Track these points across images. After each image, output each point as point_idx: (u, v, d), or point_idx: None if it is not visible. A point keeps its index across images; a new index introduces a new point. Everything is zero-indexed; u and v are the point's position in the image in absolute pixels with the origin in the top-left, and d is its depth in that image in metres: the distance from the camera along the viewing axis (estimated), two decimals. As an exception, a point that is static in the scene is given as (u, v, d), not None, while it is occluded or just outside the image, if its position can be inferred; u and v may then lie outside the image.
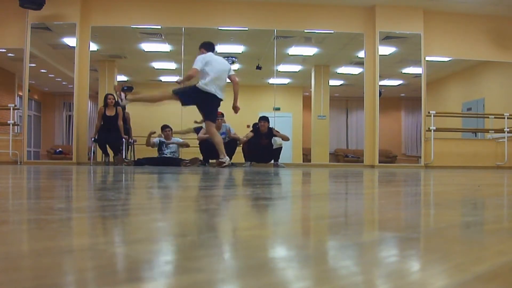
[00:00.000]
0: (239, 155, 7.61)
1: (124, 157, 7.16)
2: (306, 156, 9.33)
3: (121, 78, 9.58)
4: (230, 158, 7.38)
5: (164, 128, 7.42)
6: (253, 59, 9.35)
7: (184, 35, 8.38)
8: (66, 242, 0.67)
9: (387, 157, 9.01)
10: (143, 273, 0.48)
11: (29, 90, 7.92)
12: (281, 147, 7.60)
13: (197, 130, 7.21)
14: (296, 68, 10.07)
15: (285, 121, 8.76)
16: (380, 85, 8.34)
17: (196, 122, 7.24)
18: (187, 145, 7.54)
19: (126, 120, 7.56)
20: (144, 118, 8.97)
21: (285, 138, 7.44)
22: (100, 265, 0.51)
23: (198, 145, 7.14)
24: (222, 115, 7.10)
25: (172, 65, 9.16)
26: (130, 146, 7.72)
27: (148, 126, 8.45)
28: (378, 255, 0.60)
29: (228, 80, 5.83)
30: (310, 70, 9.97)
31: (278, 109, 8.84)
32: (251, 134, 7.34)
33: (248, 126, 7.70)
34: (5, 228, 0.79)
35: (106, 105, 7.23)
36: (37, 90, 8.97)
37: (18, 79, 8.30)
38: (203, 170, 4.73)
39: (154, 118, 8.62)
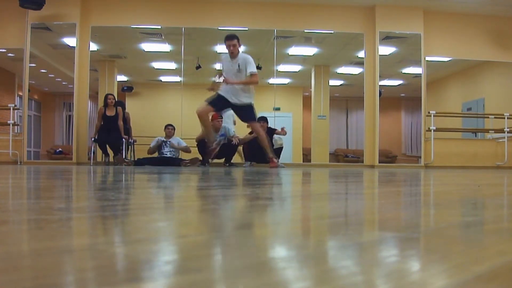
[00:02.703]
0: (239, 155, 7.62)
1: (124, 157, 7.16)
2: (306, 156, 9.33)
3: (121, 78, 9.58)
4: (231, 159, 7.37)
5: (167, 126, 7.42)
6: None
7: (184, 35, 8.38)
8: (66, 242, 0.67)
9: (387, 157, 9.01)
10: (143, 273, 0.48)
11: (29, 90, 7.91)
12: (282, 147, 7.60)
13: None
14: (296, 68, 10.06)
15: (285, 121, 8.75)
16: (380, 85, 8.34)
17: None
18: (187, 150, 7.44)
19: (126, 120, 7.57)
20: (144, 118, 8.98)
21: (283, 133, 7.49)
22: (100, 265, 0.51)
23: (196, 146, 7.11)
24: (221, 116, 7.08)
25: (172, 65, 9.15)
26: (130, 146, 7.72)
27: (148, 126, 8.47)
28: (378, 255, 0.60)
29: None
30: (310, 70, 9.96)
31: (278, 109, 8.84)
32: (249, 136, 7.23)
33: (248, 126, 7.67)
34: (5, 228, 0.79)
35: (106, 105, 7.23)
36: (37, 90, 8.97)
37: (18, 79, 8.29)
38: (202, 170, 4.73)
39: (154, 118, 8.62)
